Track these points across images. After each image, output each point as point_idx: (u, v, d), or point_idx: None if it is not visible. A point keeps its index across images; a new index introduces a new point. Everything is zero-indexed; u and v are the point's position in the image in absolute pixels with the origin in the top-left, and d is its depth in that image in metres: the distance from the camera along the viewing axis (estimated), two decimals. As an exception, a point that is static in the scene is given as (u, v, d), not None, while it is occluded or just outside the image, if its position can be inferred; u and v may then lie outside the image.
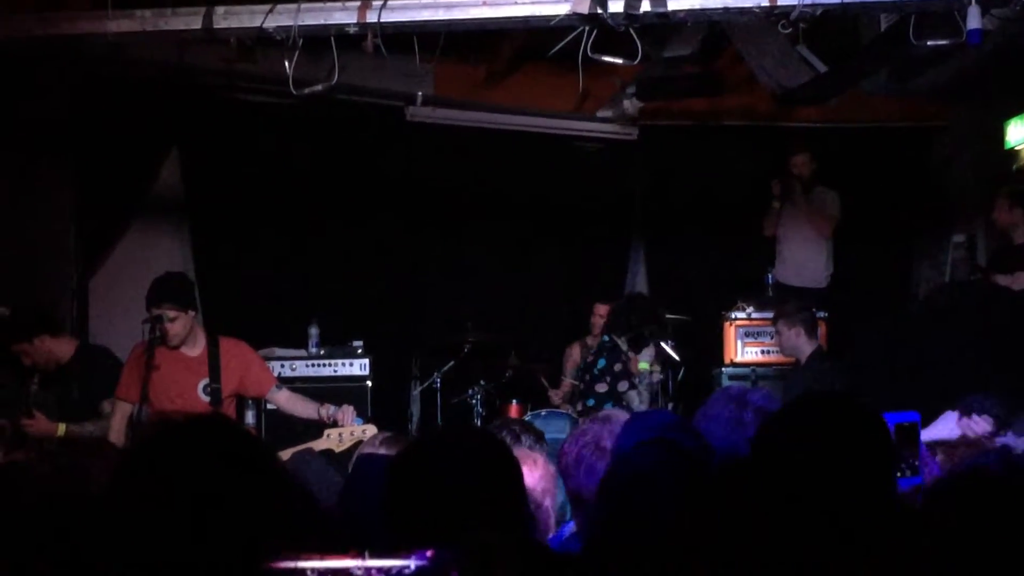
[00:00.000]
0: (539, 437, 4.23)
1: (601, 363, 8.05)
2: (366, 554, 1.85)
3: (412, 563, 1.82)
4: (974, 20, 5.50)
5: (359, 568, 1.81)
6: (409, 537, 2.40)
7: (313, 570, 1.80)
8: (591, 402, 7.96)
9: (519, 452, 3.81)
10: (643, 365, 8.03)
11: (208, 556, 1.84)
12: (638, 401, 7.91)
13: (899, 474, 2.92)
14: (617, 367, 7.96)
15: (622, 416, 3.62)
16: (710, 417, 3.20)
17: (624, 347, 8.03)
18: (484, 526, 2.35)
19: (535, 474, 3.54)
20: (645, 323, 8.09)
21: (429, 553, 1.88)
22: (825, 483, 2.42)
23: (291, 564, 1.80)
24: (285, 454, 4.87)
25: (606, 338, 8.20)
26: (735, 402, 3.20)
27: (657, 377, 8.23)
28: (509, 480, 2.49)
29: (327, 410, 6.17)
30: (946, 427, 4.23)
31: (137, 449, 2.05)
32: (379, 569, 1.80)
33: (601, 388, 7.95)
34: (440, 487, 2.39)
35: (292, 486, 2.04)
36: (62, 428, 6.46)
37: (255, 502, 1.88)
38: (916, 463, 3.05)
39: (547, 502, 3.60)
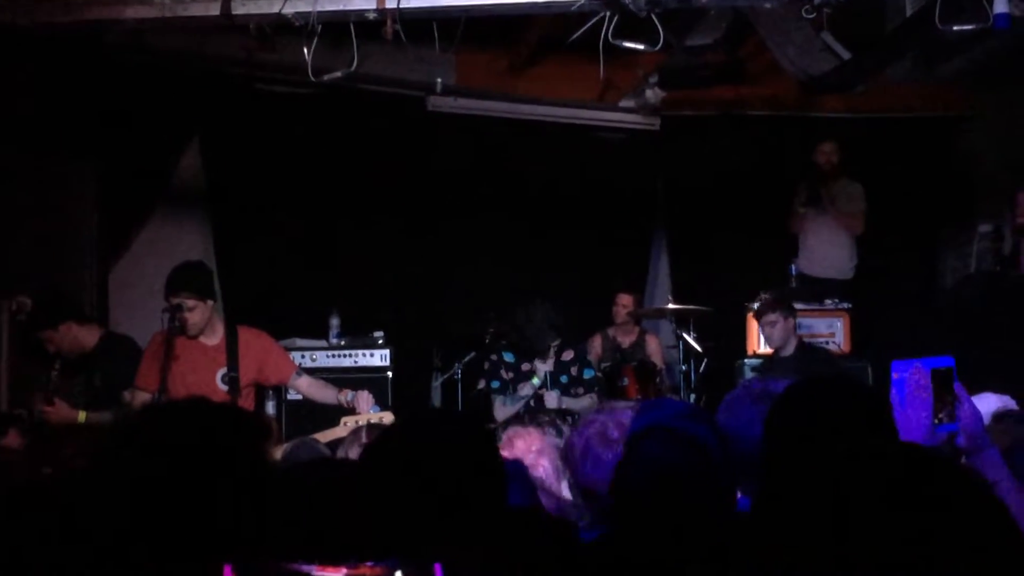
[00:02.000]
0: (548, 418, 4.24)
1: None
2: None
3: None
4: (1001, 4, 5.43)
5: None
6: (385, 527, 2.37)
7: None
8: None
9: (513, 431, 3.90)
10: (535, 380, 7.75)
11: (172, 543, 1.83)
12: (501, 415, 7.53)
13: (936, 420, 2.93)
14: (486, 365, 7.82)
15: (627, 406, 3.59)
16: (735, 416, 3.13)
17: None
18: (459, 509, 2.32)
19: (527, 443, 3.72)
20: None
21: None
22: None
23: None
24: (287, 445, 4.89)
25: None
26: (758, 398, 3.13)
27: (551, 400, 7.71)
28: (484, 462, 2.46)
29: (345, 395, 6.18)
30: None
31: (113, 435, 2.03)
32: None
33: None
34: (411, 473, 2.36)
35: (275, 473, 2.02)
36: (82, 415, 6.45)
37: (227, 489, 1.87)
38: (953, 410, 3.04)
39: (543, 462, 3.69)
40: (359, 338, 8.77)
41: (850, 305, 8.97)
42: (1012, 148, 9.31)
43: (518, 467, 3.34)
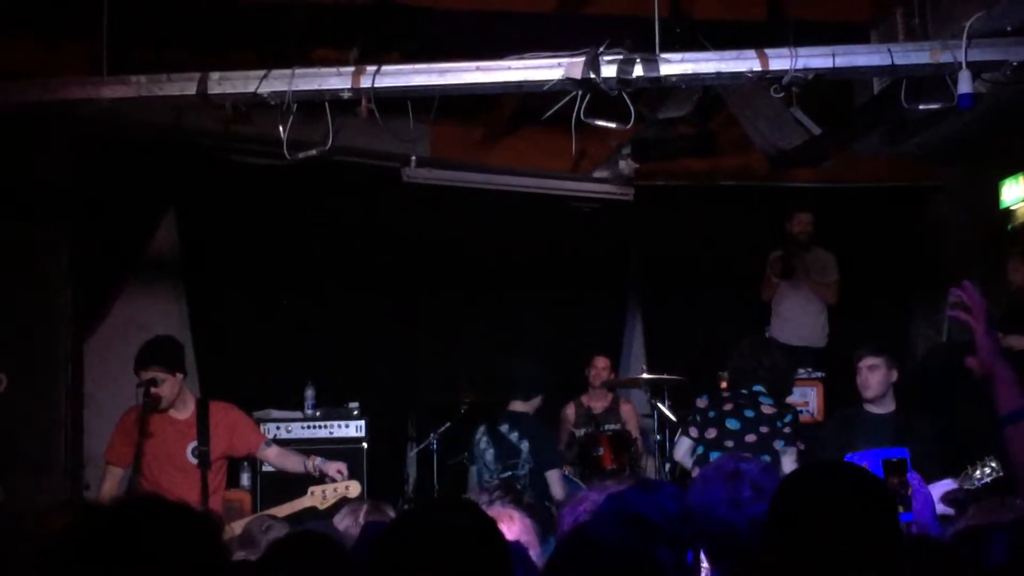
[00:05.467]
0: (517, 496, 4.29)
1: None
2: None
3: None
4: (965, 84, 5.53)
5: None
6: None
7: None
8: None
9: (494, 511, 3.94)
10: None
11: None
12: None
13: None
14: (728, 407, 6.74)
15: (618, 485, 3.63)
16: (707, 498, 3.15)
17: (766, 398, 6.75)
18: None
19: (513, 529, 3.70)
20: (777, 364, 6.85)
21: None
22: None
23: None
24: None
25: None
26: (730, 479, 3.15)
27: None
28: (494, 552, 2.47)
29: (313, 461, 6.21)
30: None
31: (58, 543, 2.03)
32: None
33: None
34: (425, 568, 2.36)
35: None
36: None
37: None
38: (908, 498, 3.08)
39: (531, 553, 3.69)
40: (334, 409, 8.76)
41: (823, 374, 9.01)
42: (981, 219, 9.44)
43: (518, 549, 3.38)
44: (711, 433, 6.70)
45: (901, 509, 3.02)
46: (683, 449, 6.90)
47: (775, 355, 6.94)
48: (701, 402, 6.89)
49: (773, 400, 6.75)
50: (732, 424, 6.70)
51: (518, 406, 7.56)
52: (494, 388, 9.24)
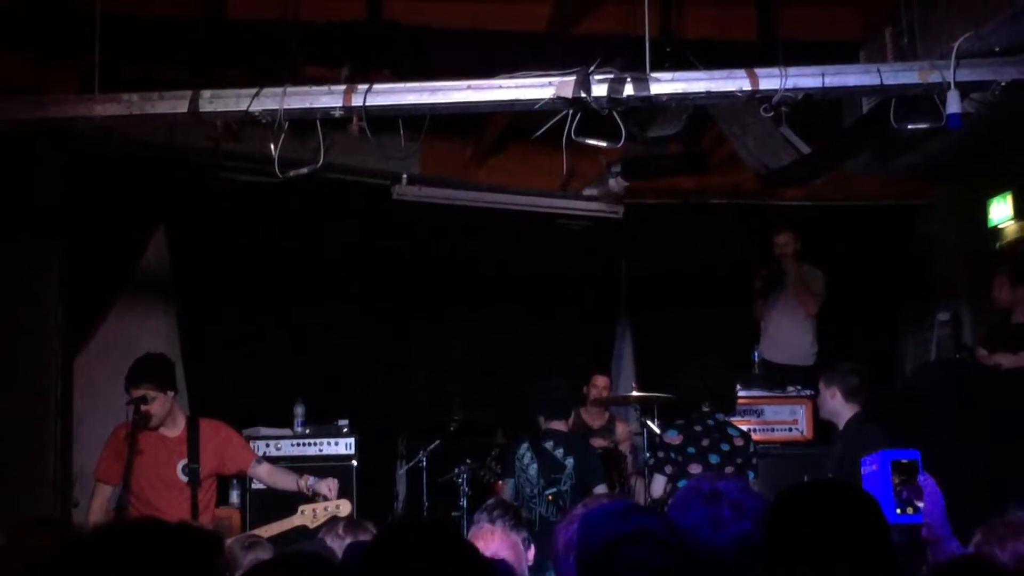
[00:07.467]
0: (515, 515, 4.34)
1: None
2: None
3: None
4: (954, 104, 5.57)
5: None
6: None
7: None
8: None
9: (479, 530, 3.98)
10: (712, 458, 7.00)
11: None
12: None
13: (899, 510, 2.96)
14: (705, 442, 7.00)
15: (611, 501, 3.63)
16: (688, 520, 3.14)
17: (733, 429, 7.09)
18: None
19: (491, 545, 3.84)
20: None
21: None
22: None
23: None
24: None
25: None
26: (708, 499, 3.14)
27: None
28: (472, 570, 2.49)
29: (306, 481, 6.20)
30: None
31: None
32: None
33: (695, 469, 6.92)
34: None
35: None
36: None
37: None
38: (918, 500, 3.08)
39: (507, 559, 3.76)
40: (323, 427, 8.75)
41: (813, 392, 9.00)
42: (969, 237, 9.48)
43: (503, 566, 3.39)
44: (695, 468, 6.90)
45: (911, 511, 3.02)
46: (661, 486, 7.05)
47: (718, 374, 7.36)
48: (674, 439, 7.08)
49: (738, 431, 7.13)
50: (714, 459, 6.97)
51: (557, 425, 7.65)
52: (486, 407, 9.29)
